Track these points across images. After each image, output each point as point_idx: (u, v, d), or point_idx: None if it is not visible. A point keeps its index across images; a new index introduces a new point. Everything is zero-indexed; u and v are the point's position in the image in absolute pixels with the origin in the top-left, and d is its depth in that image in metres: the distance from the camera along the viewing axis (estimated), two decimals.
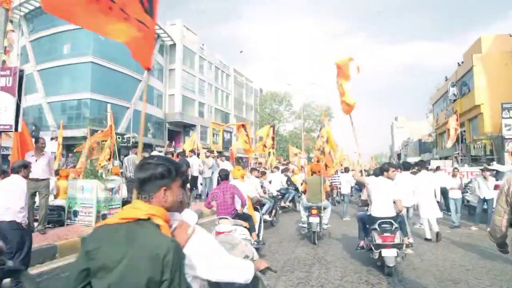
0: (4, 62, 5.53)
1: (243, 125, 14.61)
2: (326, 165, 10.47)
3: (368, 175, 7.14)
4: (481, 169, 8.82)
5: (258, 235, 5.82)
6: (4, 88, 4.92)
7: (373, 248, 4.67)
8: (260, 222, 6.21)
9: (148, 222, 1.23)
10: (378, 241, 4.60)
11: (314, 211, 6.65)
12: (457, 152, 23.07)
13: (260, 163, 16.26)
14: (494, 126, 21.32)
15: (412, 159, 31.24)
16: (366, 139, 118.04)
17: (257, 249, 5.02)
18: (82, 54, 27.31)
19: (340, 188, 13.25)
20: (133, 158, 8.78)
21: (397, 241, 4.56)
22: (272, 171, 12.79)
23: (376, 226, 4.75)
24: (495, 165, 11.41)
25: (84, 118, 26.99)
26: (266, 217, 8.22)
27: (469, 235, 7.49)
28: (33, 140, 6.14)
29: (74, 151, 7.62)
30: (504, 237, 2.48)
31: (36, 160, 5.27)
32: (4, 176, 4.49)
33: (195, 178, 11.30)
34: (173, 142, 31.59)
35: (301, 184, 10.39)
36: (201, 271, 1.38)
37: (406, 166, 8.44)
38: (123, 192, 8.16)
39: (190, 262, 1.32)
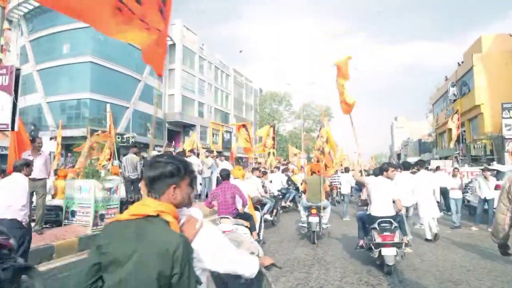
0: (0, 60, 5.48)
1: (243, 125, 14.56)
2: (326, 165, 10.45)
3: (368, 175, 7.12)
4: (481, 169, 8.78)
5: (258, 235, 5.83)
6: (1, 87, 4.88)
7: (372, 247, 4.69)
8: (261, 222, 6.24)
9: (157, 218, 1.27)
10: (378, 240, 4.64)
11: (314, 211, 6.66)
12: (457, 152, 23.03)
13: (260, 163, 16.22)
14: (494, 126, 21.29)
15: (412, 159, 31.17)
16: (366, 139, 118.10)
17: None
18: (82, 54, 27.26)
19: (340, 188, 13.23)
20: (132, 158, 8.74)
21: (397, 240, 4.59)
22: (272, 171, 12.77)
23: (375, 225, 4.78)
24: (495, 165, 11.37)
25: (83, 118, 26.93)
26: (267, 216, 8.24)
27: (470, 236, 7.45)
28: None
29: (74, 151, 7.56)
30: (506, 237, 2.43)
31: (33, 160, 5.22)
32: (4, 175, 4.47)
33: (194, 178, 11.26)
34: (173, 142, 31.55)
35: (301, 184, 10.37)
36: (208, 264, 1.42)
37: (406, 166, 8.40)
38: (121, 192, 8.12)
39: (198, 256, 1.35)
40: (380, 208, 4.90)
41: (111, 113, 11.42)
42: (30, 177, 4.74)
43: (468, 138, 23.84)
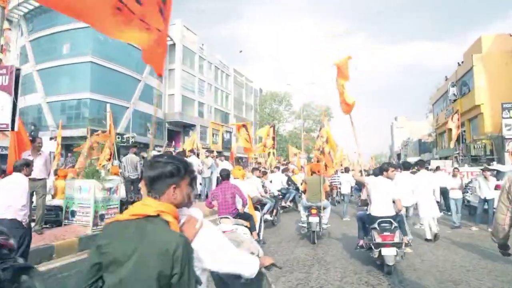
0: (0, 60, 5.47)
1: (244, 125, 14.54)
2: (326, 166, 10.45)
3: (368, 175, 7.12)
4: (482, 169, 8.78)
5: (258, 235, 5.83)
6: (1, 87, 4.87)
7: (372, 247, 4.69)
8: (261, 222, 6.26)
9: (157, 218, 1.27)
10: (378, 240, 4.64)
11: (314, 211, 6.67)
12: (457, 152, 23.02)
13: (259, 163, 16.20)
14: (494, 126, 21.28)
15: (412, 159, 31.16)
16: (366, 139, 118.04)
17: None
18: (82, 54, 27.24)
19: (340, 188, 13.23)
20: (132, 158, 8.75)
21: (397, 240, 4.59)
22: (272, 171, 12.76)
23: (375, 225, 4.78)
24: (496, 165, 11.37)
25: (83, 118, 26.92)
26: (268, 216, 8.25)
27: (470, 236, 7.44)
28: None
29: (74, 151, 7.56)
30: (506, 237, 2.42)
31: (33, 160, 5.22)
32: (4, 175, 4.48)
33: (194, 178, 11.27)
34: (173, 142, 31.53)
35: (301, 184, 10.38)
36: (208, 264, 1.42)
37: (406, 166, 8.40)
38: (121, 192, 8.11)
39: (198, 255, 1.35)
40: (380, 208, 4.91)
41: (111, 113, 11.38)
42: (30, 177, 4.75)
43: (468, 138, 23.84)
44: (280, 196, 10.65)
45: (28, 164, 4.22)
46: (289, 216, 10.12)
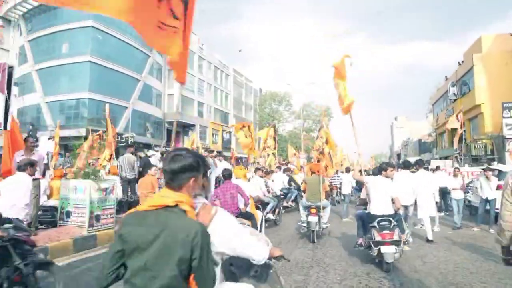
0: None
1: (247, 126, 14.34)
2: (325, 166, 10.38)
3: (368, 175, 7.07)
4: (483, 169, 8.67)
5: None
6: None
7: (372, 245, 4.77)
8: (262, 221, 6.36)
9: (176, 208, 1.38)
10: (378, 238, 4.72)
11: (313, 211, 6.75)
12: (457, 152, 22.92)
13: (258, 163, 16.09)
14: (494, 126, 21.18)
15: (412, 159, 31.08)
16: (366, 139, 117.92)
17: None
18: (81, 54, 27.13)
19: (340, 188, 13.16)
20: (129, 158, 8.64)
21: (396, 238, 4.68)
22: (272, 171, 12.67)
23: (375, 223, 4.87)
24: (497, 165, 11.27)
25: (82, 118, 26.84)
26: (270, 216, 8.35)
27: (472, 236, 7.35)
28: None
29: (77, 151, 7.45)
30: None
31: None
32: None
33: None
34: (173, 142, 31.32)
35: (301, 184, 10.35)
36: (223, 248, 1.52)
37: (406, 165, 8.28)
38: (118, 192, 8.01)
39: (213, 240, 1.42)
40: (379, 207, 5.01)
41: (109, 113, 11.28)
42: None
43: (468, 138, 23.72)
44: (282, 196, 10.65)
45: (32, 164, 4.29)
46: (290, 216, 10.08)
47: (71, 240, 5.61)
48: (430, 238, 6.67)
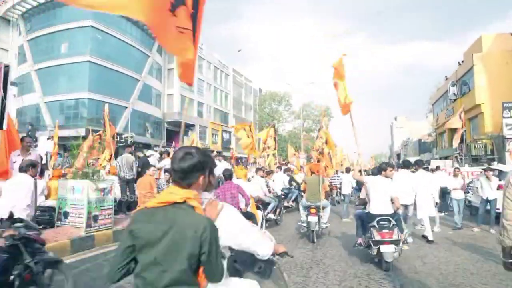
0: None
1: (248, 127, 14.27)
2: (325, 166, 10.35)
3: (368, 174, 7.05)
4: (484, 169, 8.62)
5: None
6: None
7: (372, 244, 4.81)
8: (262, 221, 6.34)
9: (184, 204, 1.41)
10: (377, 237, 4.75)
11: (313, 211, 6.77)
12: (457, 152, 22.86)
13: (258, 163, 16.05)
14: (494, 126, 21.13)
15: (411, 159, 31.04)
16: (366, 139, 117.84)
17: None
18: (80, 53, 27.09)
19: (340, 189, 13.13)
20: (127, 158, 8.59)
21: (395, 237, 4.72)
22: (272, 171, 12.64)
23: (374, 223, 4.92)
24: (498, 165, 11.23)
25: (81, 118, 26.80)
26: (271, 215, 8.40)
27: (472, 237, 7.30)
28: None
29: (76, 151, 7.40)
30: None
31: (22, 160, 5.06)
32: None
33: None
34: (173, 142, 31.37)
35: (301, 184, 10.35)
36: (229, 243, 1.58)
37: (406, 164, 8.25)
38: (117, 192, 7.97)
39: (220, 235, 1.46)
40: (378, 206, 5.06)
41: (106, 113, 11.22)
42: None
43: (468, 138, 23.66)
44: (283, 196, 10.66)
45: (34, 165, 4.32)
46: (291, 216, 10.06)
47: (68, 241, 5.56)
48: (430, 238, 6.64)
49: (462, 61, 26.09)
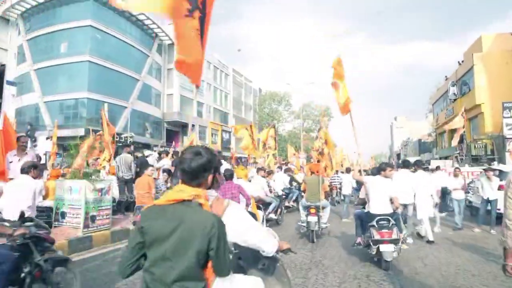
0: None
1: (246, 128, 14.21)
2: (325, 167, 10.32)
3: (367, 175, 7.02)
4: (484, 169, 8.57)
5: None
6: None
7: (371, 244, 4.84)
8: (263, 221, 6.32)
9: (192, 202, 1.45)
10: (377, 237, 4.78)
11: (313, 210, 6.78)
12: (457, 152, 22.81)
13: (257, 163, 16.00)
14: (495, 126, 21.09)
15: (411, 159, 30.98)
16: (366, 139, 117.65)
17: None
18: (79, 53, 27.05)
19: (340, 189, 13.09)
20: (126, 158, 8.54)
21: (394, 236, 4.75)
22: (272, 171, 12.60)
23: (374, 222, 4.95)
24: (499, 165, 11.18)
25: (81, 118, 26.75)
26: (272, 215, 8.44)
27: (473, 237, 7.26)
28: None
29: (72, 152, 7.32)
30: None
31: (18, 160, 5.00)
32: None
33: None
34: (173, 142, 31.29)
35: (301, 184, 10.34)
36: (235, 239, 1.62)
37: (405, 164, 8.20)
38: (115, 193, 7.91)
39: (227, 231, 1.49)
40: (378, 206, 5.09)
41: (104, 113, 11.16)
42: (16, 177, 4.59)
43: (468, 138, 23.62)
44: (284, 196, 10.65)
45: (36, 166, 4.37)
46: (292, 216, 10.04)
47: (66, 241, 5.50)
48: (430, 239, 6.61)
49: (462, 61, 26.04)
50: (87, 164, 7.09)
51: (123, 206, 8.40)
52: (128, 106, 30.07)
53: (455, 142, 17.13)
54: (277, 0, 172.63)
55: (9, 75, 28.09)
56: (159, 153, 11.79)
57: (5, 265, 2.75)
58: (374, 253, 4.83)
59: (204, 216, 1.42)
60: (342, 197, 12.38)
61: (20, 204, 3.88)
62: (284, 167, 13.42)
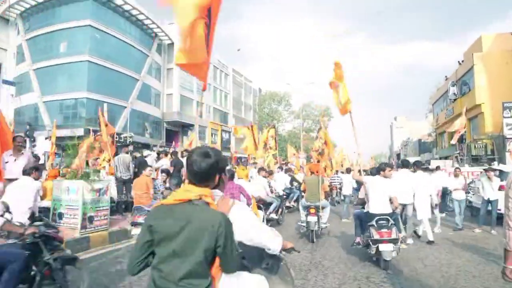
0: None
1: (248, 128, 14.16)
2: (325, 167, 10.28)
3: (367, 175, 6.99)
4: (485, 169, 8.52)
5: None
6: None
7: (370, 243, 4.86)
8: (263, 221, 6.21)
9: (199, 201, 1.48)
10: (376, 236, 4.81)
11: (312, 210, 6.79)
12: (457, 152, 22.77)
13: (256, 163, 15.95)
14: (495, 126, 21.05)
15: (411, 159, 30.92)
16: (366, 139, 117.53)
17: None
18: (79, 53, 26.98)
19: (339, 189, 13.06)
20: (124, 158, 8.50)
21: (394, 236, 4.78)
22: (272, 172, 12.56)
23: (373, 222, 4.98)
24: (499, 165, 11.14)
25: (80, 118, 26.68)
26: (273, 215, 8.46)
27: (473, 238, 7.21)
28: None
29: (70, 152, 7.26)
30: None
31: (15, 160, 4.96)
32: None
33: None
34: (173, 142, 31.24)
35: (301, 184, 10.30)
36: (240, 238, 1.63)
37: (405, 164, 8.15)
38: (113, 193, 7.86)
39: (233, 230, 1.52)
40: (377, 206, 5.12)
41: (102, 113, 11.09)
42: (12, 177, 4.57)
43: (468, 138, 23.59)
44: (285, 196, 10.63)
45: (37, 168, 4.45)
46: (292, 216, 10.02)
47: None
48: (430, 239, 6.58)
49: (462, 61, 26.00)
50: (87, 164, 7.04)
51: (121, 207, 8.35)
52: (127, 106, 30.01)
53: (454, 140, 17.07)
54: (277, 0, 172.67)
55: (8, 75, 28.11)
56: (158, 153, 11.74)
57: (16, 264, 2.80)
58: (373, 252, 4.85)
59: (211, 215, 1.45)
60: (342, 197, 12.35)
61: (21, 205, 3.91)
62: (284, 167, 13.38)
